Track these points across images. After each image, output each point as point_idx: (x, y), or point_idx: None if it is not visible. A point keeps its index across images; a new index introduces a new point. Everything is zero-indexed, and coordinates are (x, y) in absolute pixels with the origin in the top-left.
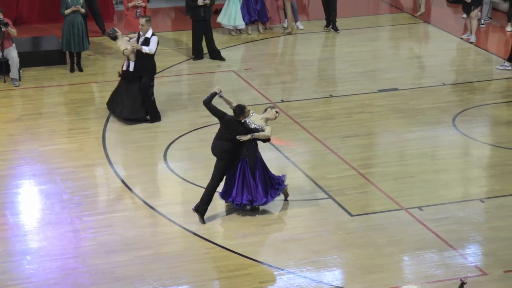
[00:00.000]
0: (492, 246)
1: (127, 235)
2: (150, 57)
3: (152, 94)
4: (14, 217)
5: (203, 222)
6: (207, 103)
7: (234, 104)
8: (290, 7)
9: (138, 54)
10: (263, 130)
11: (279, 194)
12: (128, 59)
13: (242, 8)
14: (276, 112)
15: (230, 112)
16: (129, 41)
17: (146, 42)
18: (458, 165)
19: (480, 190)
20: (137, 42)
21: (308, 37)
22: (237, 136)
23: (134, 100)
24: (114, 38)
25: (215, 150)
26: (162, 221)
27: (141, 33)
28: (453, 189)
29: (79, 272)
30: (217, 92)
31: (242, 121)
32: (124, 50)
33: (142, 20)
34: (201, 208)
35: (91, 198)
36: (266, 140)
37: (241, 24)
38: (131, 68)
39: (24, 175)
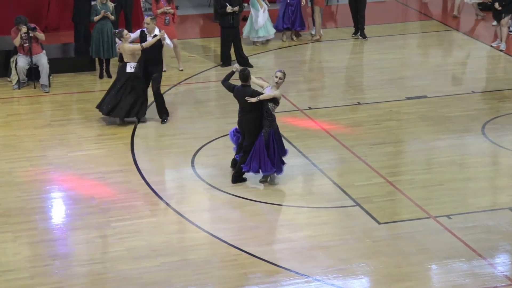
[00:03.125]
0: None
1: (154, 241)
2: (158, 53)
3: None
4: (43, 222)
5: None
6: (224, 81)
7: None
8: (319, 14)
9: (148, 52)
10: None
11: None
12: (127, 62)
13: (278, 16)
14: (276, 76)
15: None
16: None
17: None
18: (487, 173)
19: (510, 199)
20: (141, 41)
21: (336, 44)
22: (245, 98)
23: (137, 100)
24: (121, 37)
25: (240, 126)
26: (189, 227)
27: (146, 32)
28: (482, 198)
29: (106, 277)
30: (234, 70)
31: (249, 85)
32: (143, 44)
33: (147, 19)
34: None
35: (119, 204)
36: (276, 101)
37: (271, 34)
38: (133, 69)
39: (53, 180)
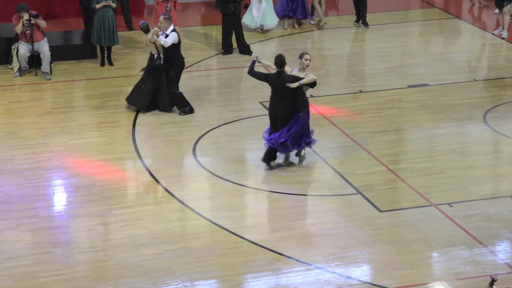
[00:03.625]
0: None
1: (155, 229)
2: (175, 51)
3: (177, 88)
4: (45, 209)
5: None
6: (251, 72)
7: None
8: (323, 1)
9: (165, 48)
10: None
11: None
12: (158, 53)
13: (278, 4)
14: (306, 59)
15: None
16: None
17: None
18: (489, 161)
19: (511, 187)
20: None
21: (338, 32)
22: (286, 84)
23: (165, 93)
24: (147, 30)
25: (275, 111)
26: (190, 215)
27: (161, 31)
28: (483, 186)
29: (107, 265)
30: (255, 59)
31: (284, 71)
32: (145, 40)
33: (161, 18)
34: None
35: (121, 192)
36: (314, 84)
37: (270, 24)
38: (155, 60)
39: (55, 168)
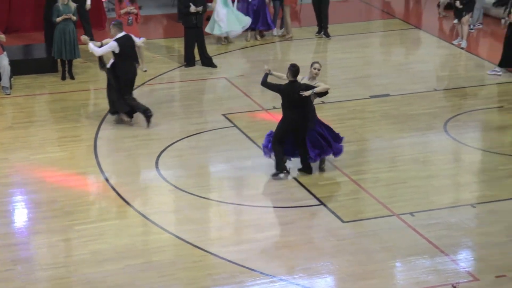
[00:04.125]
0: (483, 252)
1: (118, 244)
2: (118, 60)
3: (130, 97)
4: (5, 226)
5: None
6: (264, 83)
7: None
8: (289, 14)
9: (113, 56)
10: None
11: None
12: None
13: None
14: (314, 68)
15: None
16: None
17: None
18: (450, 170)
19: (472, 196)
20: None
21: (300, 43)
22: (300, 92)
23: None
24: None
25: (297, 123)
26: (153, 229)
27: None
28: (445, 195)
29: (70, 281)
30: (267, 72)
31: (296, 81)
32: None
33: (111, 26)
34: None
35: (83, 207)
36: (326, 93)
37: (234, 31)
38: (108, 65)
39: (15, 184)
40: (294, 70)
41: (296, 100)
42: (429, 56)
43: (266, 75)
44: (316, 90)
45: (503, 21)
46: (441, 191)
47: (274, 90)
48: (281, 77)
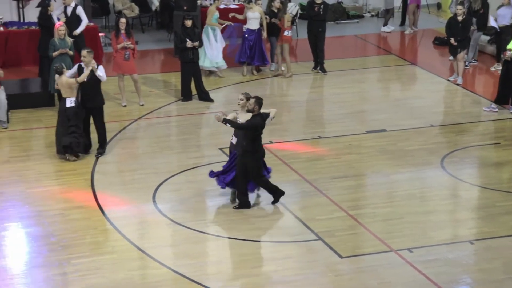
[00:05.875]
0: None
1: (115, 278)
2: (97, 86)
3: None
4: (1, 260)
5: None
6: (245, 126)
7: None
8: (288, 51)
9: (85, 86)
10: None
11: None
12: (66, 97)
13: (240, 50)
14: (239, 98)
15: None
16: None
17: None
18: (447, 206)
19: (469, 232)
20: (79, 75)
21: (296, 78)
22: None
23: (83, 133)
24: (60, 73)
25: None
26: (151, 263)
27: (83, 65)
28: (443, 231)
29: None
30: (224, 117)
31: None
32: (78, 79)
33: (84, 52)
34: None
35: (79, 241)
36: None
37: (222, 65)
38: (73, 104)
39: (11, 217)
40: (261, 101)
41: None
42: (425, 92)
43: (225, 120)
44: (272, 115)
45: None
46: (439, 227)
47: (260, 127)
48: (234, 117)
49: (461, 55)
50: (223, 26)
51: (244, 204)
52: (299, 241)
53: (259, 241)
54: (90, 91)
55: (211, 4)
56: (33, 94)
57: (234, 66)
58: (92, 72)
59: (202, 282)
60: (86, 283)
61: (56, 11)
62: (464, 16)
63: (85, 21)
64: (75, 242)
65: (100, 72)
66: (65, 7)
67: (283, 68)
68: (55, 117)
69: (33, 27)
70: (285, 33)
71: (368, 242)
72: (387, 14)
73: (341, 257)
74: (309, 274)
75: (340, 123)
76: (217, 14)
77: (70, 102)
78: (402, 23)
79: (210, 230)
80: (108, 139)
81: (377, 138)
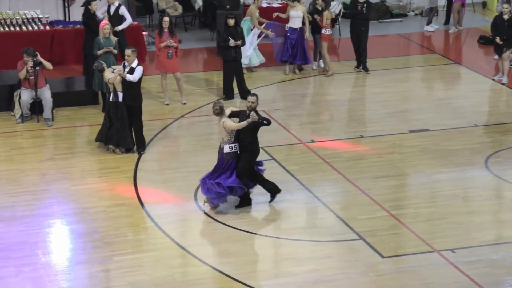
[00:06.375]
0: None
1: (157, 275)
2: (136, 86)
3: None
4: (45, 256)
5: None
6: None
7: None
8: (326, 49)
9: (125, 84)
10: None
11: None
12: (115, 90)
13: (282, 48)
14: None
15: None
16: (113, 72)
17: (131, 71)
18: (491, 207)
19: None
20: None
21: (338, 77)
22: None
23: (124, 130)
24: (101, 70)
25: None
26: (192, 261)
27: (126, 63)
28: (486, 231)
29: None
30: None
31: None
32: (109, 79)
33: (128, 51)
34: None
35: (122, 238)
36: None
37: (254, 63)
38: (120, 99)
39: (56, 214)
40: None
41: None
42: (469, 91)
43: (260, 118)
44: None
45: None
46: (483, 227)
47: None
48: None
49: (507, 54)
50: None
51: (246, 201)
52: (340, 241)
53: (300, 240)
54: (128, 89)
55: (253, 3)
56: (77, 92)
57: (276, 65)
58: (130, 69)
59: (243, 280)
60: (128, 280)
61: (100, 10)
62: (510, 15)
63: (129, 20)
64: (117, 239)
65: (131, 76)
66: (109, 6)
67: (322, 65)
68: (99, 115)
69: (78, 26)
70: (323, 31)
71: (410, 242)
72: (430, 12)
73: (382, 257)
74: (350, 274)
75: (383, 122)
76: (257, 13)
77: (112, 97)
78: (447, 21)
79: (251, 229)
80: (150, 137)
81: (420, 137)
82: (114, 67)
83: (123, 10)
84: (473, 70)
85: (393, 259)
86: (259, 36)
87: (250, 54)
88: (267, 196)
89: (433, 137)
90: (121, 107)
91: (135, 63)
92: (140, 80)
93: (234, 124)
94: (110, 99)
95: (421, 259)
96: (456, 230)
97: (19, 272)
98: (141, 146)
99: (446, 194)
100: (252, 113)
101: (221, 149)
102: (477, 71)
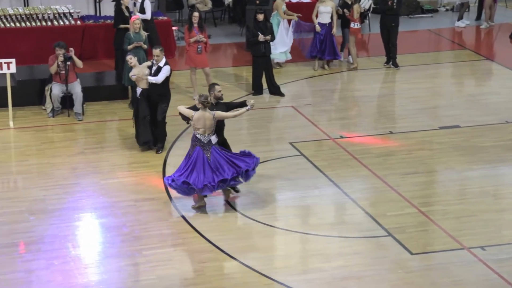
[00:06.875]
0: None
1: (186, 270)
2: (162, 84)
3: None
4: (76, 249)
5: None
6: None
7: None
8: (354, 44)
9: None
10: None
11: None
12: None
13: (311, 44)
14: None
15: None
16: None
17: (159, 70)
18: None
19: None
20: (151, 71)
21: (367, 73)
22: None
23: (148, 125)
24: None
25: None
26: (220, 256)
27: (154, 61)
28: None
29: None
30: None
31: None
32: (131, 75)
33: (157, 51)
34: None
35: (151, 232)
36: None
37: (279, 58)
38: (138, 94)
39: (86, 208)
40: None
41: None
42: (501, 87)
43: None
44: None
45: None
46: None
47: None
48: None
49: None
50: (290, 18)
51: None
52: (368, 237)
53: (328, 236)
54: (155, 86)
55: None
56: (107, 87)
57: (306, 61)
58: (158, 67)
59: (271, 276)
60: (157, 274)
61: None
62: None
63: (147, 16)
64: (146, 233)
65: (153, 78)
66: (135, 1)
67: (351, 61)
68: (129, 110)
69: (109, 21)
70: (352, 25)
71: (440, 239)
72: (462, 8)
73: (411, 253)
74: (379, 270)
75: (412, 118)
76: (284, 6)
77: (137, 92)
78: (478, 17)
79: (279, 224)
80: (179, 132)
81: (450, 134)
82: (145, 63)
83: (147, 5)
84: (505, 66)
85: (422, 256)
86: (289, 24)
87: (285, 50)
88: (297, 192)
89: (464, 134)
90: (138, 102)
91: (162, 62)
92: (168, 78)
93: (229, 112)
94: (136, 95)
95: (450, 256)
96: (486, 227)
97: (50, 265)
98: (161, 143)
99: (476, 191)
100: (252, 101)
101: (202, 143)
102: (509, 67)
